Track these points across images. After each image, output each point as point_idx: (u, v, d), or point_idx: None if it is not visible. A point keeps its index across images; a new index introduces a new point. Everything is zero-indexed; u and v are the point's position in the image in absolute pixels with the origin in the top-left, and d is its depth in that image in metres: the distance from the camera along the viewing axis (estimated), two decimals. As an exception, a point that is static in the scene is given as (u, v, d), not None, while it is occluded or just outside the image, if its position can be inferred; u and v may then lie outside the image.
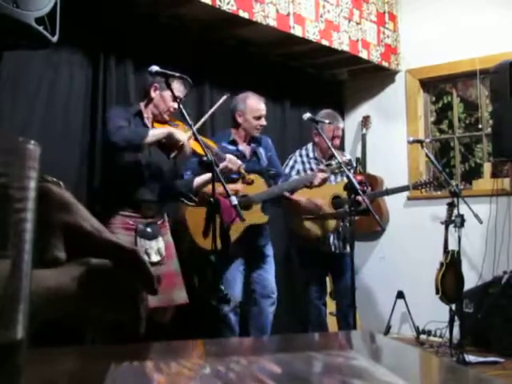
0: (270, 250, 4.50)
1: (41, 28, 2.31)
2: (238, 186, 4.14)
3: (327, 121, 4.41)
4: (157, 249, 3.58)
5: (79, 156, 4.11)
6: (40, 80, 3.92)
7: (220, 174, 3.61)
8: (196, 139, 3.29)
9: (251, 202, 4.27)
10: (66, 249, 0.67)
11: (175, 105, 3.60)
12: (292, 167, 4.82)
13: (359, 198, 3.97)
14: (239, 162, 3.84)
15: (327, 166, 4.35)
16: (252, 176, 4.27)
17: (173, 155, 3.54)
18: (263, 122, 4.37)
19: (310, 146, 4.86)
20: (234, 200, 3.09)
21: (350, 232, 4.28)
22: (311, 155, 4.83)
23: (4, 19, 2.15)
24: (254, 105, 4.34)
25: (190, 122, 3.27)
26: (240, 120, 4.33)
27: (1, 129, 3.57)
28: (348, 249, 4.82)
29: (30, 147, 0.43)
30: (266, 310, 4.38)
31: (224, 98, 3.81)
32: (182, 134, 3.52)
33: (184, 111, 3.28)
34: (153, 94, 3.70)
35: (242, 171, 3.89)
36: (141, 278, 0.68)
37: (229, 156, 3.81)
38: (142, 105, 3.75)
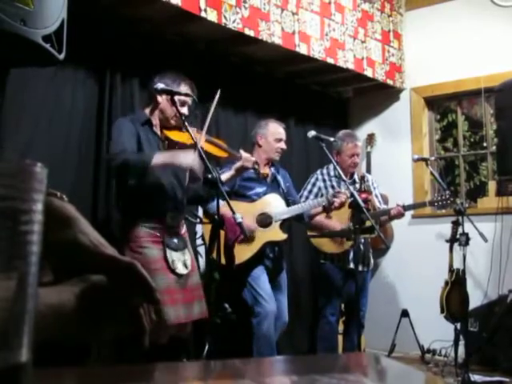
0: (285, 281, 4.59)
1: (48, 46, 2.32)
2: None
3: (332, 139, 4.45)
4: (183, 260, 3.48)
5: (84, 172, 4.11)
6: (45, 97, 3.93)
7: (238, 171, 3.63)
8: (208, 141, 3.28)
9: (270, 219, 4.35)
10: (65, 265, 0.67)
11: (183, 110, 3.49)
12: (314, 184, 4.96)
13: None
14: (253, 158, 3.86)
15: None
16: (272, 195, 4.39)
17: (186, 184, 3.52)
18: (283, 145, 4.56)
19: (331, 165, 4.94)
20: (239, 218, 3.08)
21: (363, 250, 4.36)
22: (332, 173, 4.94)
23: (12, 37, 2.17)
24: (274, 128, 4.56)
25: (192, 131, 3.25)
26: (261, 142, 4.53)
27: (5, 147, 3.57)
28: (366, 267, 4.85)
29: (37, 170, 0.43)
30: (275, 336, 4.39)
31: (218, 93, 3.72)
32: (187, 158, 3.33)
33: (185, 122, 3.26)
34: (159, 98, 3.55)
35: (256, 166, 3.95)
36: (141, 289, 0.68)
37: (244, 155, 3.81)
38: (147, 111, 3.61)
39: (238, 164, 3.77)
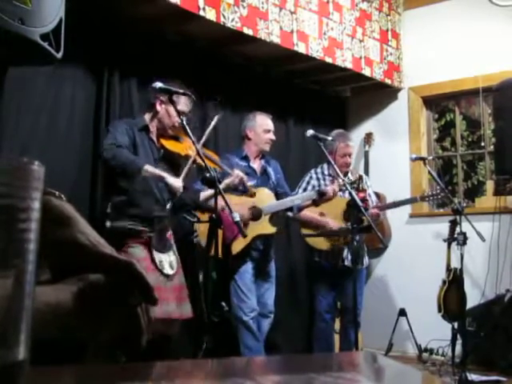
0: (273, 270, 4.62)
1: (46, 44, 2.32)
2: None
3: (330, 138, 4.48)
4: (169, 262, 3.57)
5: (82, 171, 4.11)
6: (43, 96, 3.92)
7: (226, 188, 3.68)
8: (200, 157, 3.28)
9: (260, 213, 4.38)
10: (63, 264, 0.67)
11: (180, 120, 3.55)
12: (308, 182, 5.00)
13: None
14: (245, 176, 3.94)
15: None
16: (261, 189, 4.40)
17: (169, 205, 3.60)
18: (272, 136, 4.62)
19: (325, 164, 5.05)
20: (237, 216, 3.09)
21: (357, 248, 4.37)
22: (326, 172, 5.01)
23: (9, 35, 2.16)
24: (261, 120, 4.62)
25: (194, 139, 3.27)
26: (250, 135, 4.60)
27: (4, 145, 3.57)
28: (361, 264, 4.85)
29: (34, 168, 0.43)
30: (263, 328, 4.48)
31: (219, 116, 3.87)
32: (177, 182, 3.50)
33: (187, 128, 3.26)
34: (158, 107, 3.64)
35: (246, 184, 4.01)
36: (139, 289, 0.68)
37: (236, 172, 3.90)
38: (147, 118, 3.69)
39: (229, 180, 3.87)
